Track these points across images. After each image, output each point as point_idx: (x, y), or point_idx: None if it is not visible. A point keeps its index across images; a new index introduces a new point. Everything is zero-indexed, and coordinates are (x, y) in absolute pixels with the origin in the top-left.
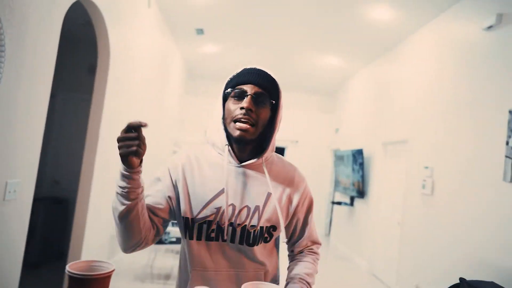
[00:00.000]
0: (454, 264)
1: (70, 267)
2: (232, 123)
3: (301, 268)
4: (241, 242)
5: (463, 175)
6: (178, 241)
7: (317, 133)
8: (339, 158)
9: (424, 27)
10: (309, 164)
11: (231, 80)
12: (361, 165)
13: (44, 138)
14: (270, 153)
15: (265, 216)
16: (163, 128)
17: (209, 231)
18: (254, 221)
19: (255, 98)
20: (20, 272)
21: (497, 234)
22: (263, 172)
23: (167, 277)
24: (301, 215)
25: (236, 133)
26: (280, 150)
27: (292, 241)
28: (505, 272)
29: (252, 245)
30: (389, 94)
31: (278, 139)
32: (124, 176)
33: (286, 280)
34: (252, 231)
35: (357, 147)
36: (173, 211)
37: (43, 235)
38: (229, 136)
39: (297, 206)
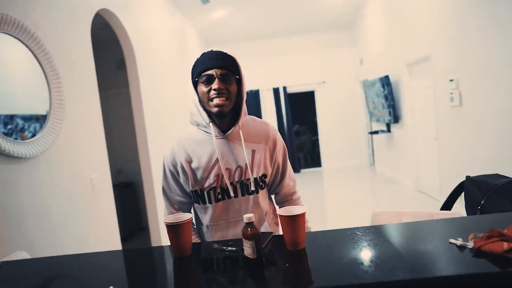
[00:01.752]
0: (489, 166)
1: (166, 220)
2: (210, 102)
3: None
4: (243, 194)
5: (487, 80)
6: None
7: (343, 69)
8: (368, 88)
9: None
10: (340, 101)
11: (196, 67)
12: (390, 90)
13: None
14: (244, 117)
15: (255, 169)
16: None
17: (216, 195)
18: (248, 175)
19: (221, 78)
20: (120, 242)
21: None
22: (249, 135)
23: None
24: (280, 160)
25: (215, 109)
26: (309, 94)
27: (276, 183)
28: None
29: (253, 193)
30: (405, 15)
31: (306, 83)
32: None
33: None
34: (248, 183)
35: (383, 73)
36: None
37: (124, 215)
38: (209, 113)
39: (276, 154)
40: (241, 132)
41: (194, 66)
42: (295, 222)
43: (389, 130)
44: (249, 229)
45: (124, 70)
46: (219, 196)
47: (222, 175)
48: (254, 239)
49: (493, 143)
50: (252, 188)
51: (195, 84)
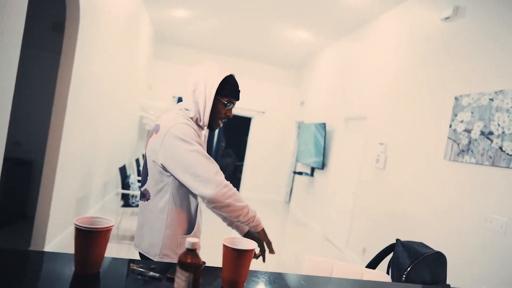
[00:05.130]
0: (397, 231)
1: (77, 221)
2: (218, 120)
3: None
4: None
5: (412, 152)
6: None
7: (283, 105)
8: (302, 130)
9: (391, 11)
10: (273, 135)
11: (229, 88)
12: (323, 138)
13: None
14: None
15: None
16: (132, 92)
17: None
18: None
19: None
20: None
21: (435, 204)
22: None
23: (132, 238)
24: None
25: (217, 127)
26: (247, 120)
27: None
28: (436, 237)
29: None
30: (352, 72)
31: (245, 108)
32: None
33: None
34: None
35: (320, 121)
36: None
37: (6, 196)
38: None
39: None
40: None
41: (226, 83)
42: (241, 258)
43: (312, 175)
44: (189, 257)
45: (60, 33)
46: None
47: None
48: (194, 271)
49: (407, 208)
50: None
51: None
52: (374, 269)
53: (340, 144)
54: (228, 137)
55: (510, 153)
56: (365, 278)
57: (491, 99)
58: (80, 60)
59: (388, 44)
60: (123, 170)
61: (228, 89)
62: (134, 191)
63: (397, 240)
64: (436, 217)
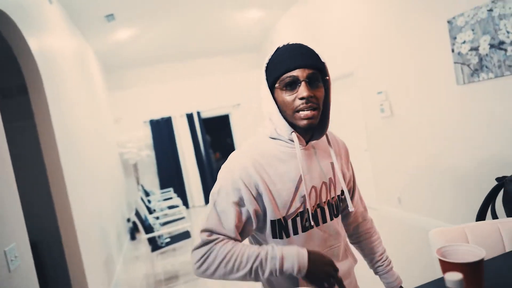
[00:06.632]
0: (423, 171)
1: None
2: (296, 114)
3: (381, 249)
4: (331, 218)
5: (417, 89)
6: (173, 240)
7: (258, 90)
8: None
9: None
10: (257, 122)
11: (274, 67)
12: None
13: None
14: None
15: (337, 185)
16: (103, 132)
17: (303, 222)
18: (332, 193)
19: (309, 82)
20: None
21: (455, 134)
22: (324, 145)
23: (174, 278)
24: (351, 172)
25: (303, 122)
26: (224, 118)
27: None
28: (461, 169)
29: (337, 215)
30: (320, 33)
31: (219, 107)
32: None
33: (372, 262)
34: (333, 203)
35: None
36: (260, 221)
37: None
38: (291, 124)
39: (348, 165)
40: (330, 140)
41: (268, 65)
42: (478, 270)
43: None
44: None
45: (10, 99)
46: (306, 224)
47: (310, 195)
48: None
49: (427, 146)
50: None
51: (271, 89)
52: (484, 219)
53: (333, 106)
54: (213, 143)
55: None
56: (504, 229)
57: (490, 10)
58: (56, 121)
59: None
60: (138, 215)
61: (273, 64)
62: (159, 231)
63: (503, 179)
64: (464, 145)
